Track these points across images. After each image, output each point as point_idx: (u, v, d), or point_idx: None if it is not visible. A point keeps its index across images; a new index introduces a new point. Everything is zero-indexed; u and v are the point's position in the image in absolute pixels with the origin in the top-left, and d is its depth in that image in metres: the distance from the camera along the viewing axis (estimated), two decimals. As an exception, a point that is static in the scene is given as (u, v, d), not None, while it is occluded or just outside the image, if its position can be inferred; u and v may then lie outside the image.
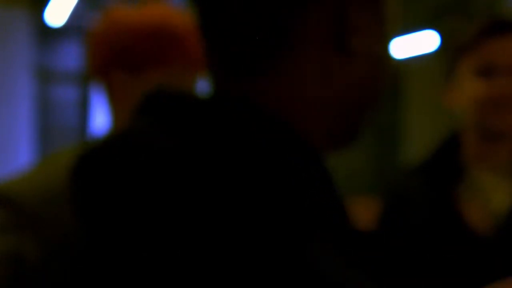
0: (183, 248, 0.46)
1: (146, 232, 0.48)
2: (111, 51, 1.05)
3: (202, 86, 1.10)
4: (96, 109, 6.42)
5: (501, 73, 1.32)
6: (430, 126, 7.02)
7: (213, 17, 0.57)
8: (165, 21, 1.02)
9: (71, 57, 6.48)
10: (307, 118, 0.56)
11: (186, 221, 0.47)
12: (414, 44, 6.47)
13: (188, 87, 1.06)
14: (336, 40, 0.55)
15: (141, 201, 0.48)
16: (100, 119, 6.32)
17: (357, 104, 0.59)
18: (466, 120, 1.38)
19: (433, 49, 6.30)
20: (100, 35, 1.06)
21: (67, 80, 6.47)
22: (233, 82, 0.57)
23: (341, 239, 0.53)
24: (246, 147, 0.50)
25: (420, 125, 7.46)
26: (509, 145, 1.35)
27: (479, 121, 1.34)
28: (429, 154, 1.44)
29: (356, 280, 0.48)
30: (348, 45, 0.56)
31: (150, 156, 0.50)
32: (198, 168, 0.48)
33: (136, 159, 0.50)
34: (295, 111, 0.56)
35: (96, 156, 0.53)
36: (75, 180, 0.54)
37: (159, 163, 0.49)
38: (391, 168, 7.62)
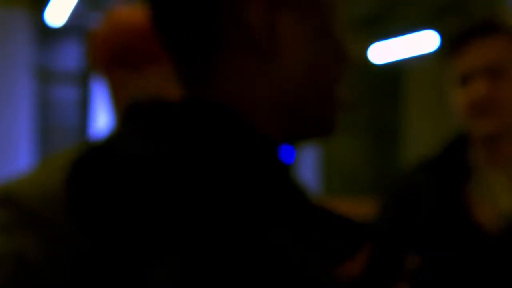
0: (158, 244, 0.51)
1: (128, 231, 0.53)
2: (112, 50, 1.06)
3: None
4: (96, 109, 6.42)
5: (474, 78, 1.33)
6: (430, 126, 7.03)
7: (161, 26, 0.63)
8: None
9: (71, 57, 6.48)
10: (248, 112, 0.60)
11: (159, 218, 0.52)
12: (414, 44, 6.47)
13: None
14: (247, 42, 0.59)
15: (121, 202, 0.54)
16: (100, 119, 6.31)
17: (300, 101, 0.62)
18: (462, 125, 1.39)
19: (433, 49, 6.30)
20: (102, 35, 1.08)
21: (67, 80, 6.47)
22: (190, 85, 0.63)
23: (299, 224, 0.56)
24: (208, 147, 0.55)
25: (420, 125, 7.47)
26: (507, 147, 1.35)
27: (467, 127, 1.35)
28: (436, 152, 1.44)
29: (313, 264, 0.52)
30: (261, 48, 0.59)
31: (125, 160, 0.55)
32: (167, 171, 0.53)
33: (115, 164, 0.55)
34: (237, 106, 0.60)
35: (84, 162, 0.58)
36: (67, 183, 0.59)
37: (132, 167, 0.54)
38: (391, 168, 7.62)
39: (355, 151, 7.73)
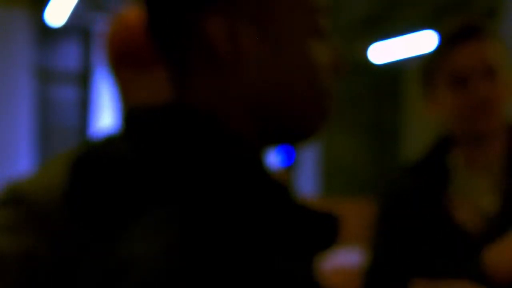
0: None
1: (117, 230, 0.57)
2: (120, 50, 1.09)
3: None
4: (96, 109, 6.42)
5: (471, 80, 1.33)
6: (429, 126, 7.02)
7: (152, 26, 0.67)
8: None
9: (71, 57, 6.48)
10: (224, 120, 0.64)
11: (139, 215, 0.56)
12: (414, 44, 6.47)
13: None
14: (218, 54, 0.63)
15: (103, 200, 0.59)
16: (100, 119, 6.31)
17: (266, 108, 0.65)
18: (449, 127, 1.40)
19: (433, 50, 6.29)
20: (110, 35, 1.11)
21: (67, 80, 6.47)
22: (176, 86, 0.67)
23: (275, 221, 0.58)
24: (182, 150, 0.59)
25: (420, 125, 7.47)
26: (492, 147, 1.37)
27: (461, 128, 1.36)
28: (419, 156, 1.45)
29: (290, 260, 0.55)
30: (230, 58, 0.62)
31: (112, 162, 0.61)
32: (145, 171, 0.58)
33: (104, 166, 0.61)
34: (216, 112, 0.64)
35: (78, 165, 0.63)
36: (66, 183, 0.64)
37: (116, 169, 0.60)
38: (391, 168, 7.62)
39: (355, 151, 7.73)
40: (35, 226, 0.83)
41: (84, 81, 6.45)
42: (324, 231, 0.62)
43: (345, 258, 4.22)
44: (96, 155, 0.62)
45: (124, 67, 1.09)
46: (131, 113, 0.65)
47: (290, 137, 0.67)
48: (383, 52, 6.86)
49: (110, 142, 0.64)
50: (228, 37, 0.62)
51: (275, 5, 0.64)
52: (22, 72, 5.94)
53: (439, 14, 6.14)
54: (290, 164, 7.16)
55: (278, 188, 0.60)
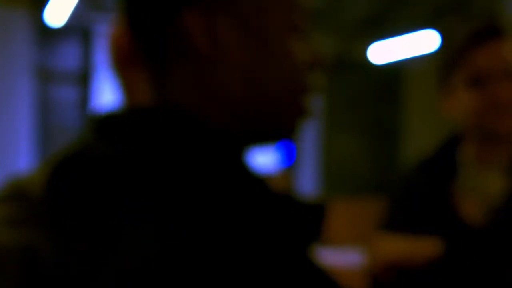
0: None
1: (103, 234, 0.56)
2: (123, 50, 1.10)
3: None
4: (96, 109, 6.41)
5: (492, 81, 1.35)
6: (430, 126, 7.03)
7: (130, 27, 0.67)
8: None
9: (71, 57, 6.48)
10: (203, 117, 0.63)
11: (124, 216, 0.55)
12: (414, 44, 6.47)
13: None
14: (196, 48, 0.62)
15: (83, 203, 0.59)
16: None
17: (245, 104, 0.64)
18: (464, 126, 1.42)
19: (433, 49, 6.30)
20: (114, 36, 1.12)
21: (67, 80, 6.47)
22: (154, 85, 0.67)
23: (260, 214, 0.58)
24: (160, 150, 0.59)
25: (420, 125, 7.47)
26: (505, 146, 1.38)
27: (477, 126, 1.38)
28: (428, 153, 1.47)
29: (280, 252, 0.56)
30: (207, 52, 0.62)
31: (92, 164, 0.60)
32: (123, 172, 0.58)
33: (85, 168, 0.60)
34: (195, 110, 0.64)
35: (59, 167, 0.63)
36: (48, 185, 0.64)
37: (96, 170, 0.59)
38: (391, 167, 7.63)
39: (355, 151, 7.73)
40: (35, 221, 0.84)
41: (84, 81, 6.45)
42: (310, 221, 0.61)
43: (345, 258, 4.22)
44: (75, 160, 0.62)
45: (128, 68, 1.09)
46: (109, 116, 0.65)
47: (268, 135, 0.67)
48: (383, 52, 6.86)
49: (89, 144, 0.64)
50: (206, 32, 0.62)
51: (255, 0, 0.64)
52: (22, 72, 5.94)
53: (439, 14, 6.14)
54: (290, 164, 7.16)
55: (258, 183, 0.60)
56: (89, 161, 0.60)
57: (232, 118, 0.64)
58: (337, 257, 4.35)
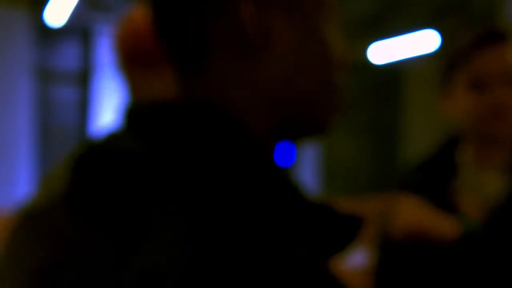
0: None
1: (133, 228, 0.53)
2: (129, 50, 1.10)
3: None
4: (96, 109, 6.42)
5: (492, 85, 1.36)
6: (429, 126, 7.03)
7: (161, 22, 0.65)
8: None
9: (71, 57, 6.48)
10: (241, 113, 0.62)
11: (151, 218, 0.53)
12: (414, 44, 6.47)
13: None
14: (240, 43, 0.62)
15: (115, 199, 0.56)
16: (100, 119, 6.32)
17: (296, 101, 0.64)
18: (463, 128, 1.44)
19: (433, 49, 6.30)
20: (120, 36, 1.12)
21: (67, 80, 6.47)
22: (185, 82, 0.65)
23: (295, 220, 0.57)
24: (196, 147, 0.57)
25: (420, 125, 7.47)
26: (503, 148, 1.40)
27: (476, 130, 1.39)
28: (428, 154, 1.49)
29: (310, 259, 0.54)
30: (254, 48, 0.62)
31: (121, 158, 0.58)
32: (156, 169, 0.56)
33: (112, 163, 0.58)
34: (231, 106, 0.62)
35: (83, 161, 0.61)
36: (70, 179, 0.61)
37: (126, 165, 0.57)
38: (391, 167, 7.63)
39: (355, 151, 7.74)
40: (45, 239, 0.82)
41: (84, 81, 6.46)
42: (341, 230, 0.60)
43: (346, 258, 4.22)
44: (100, 152, 0.60)
45: (135, 67, 1.09)
46: (136, 109, 0.63)
47: (303, 132, 0.67)
48: (383, 52, 6.86)
49: (114, 138, 0.61)
50: (260, 26, 0.61)
51: None
52: (22, 72, 5.94)
53: (439, 14, 6.14)
54: (291, 164, 7.17)
55: (292, 186, 0.59)
56: (119, 156, 0.58)
57: (270, 113, 0.63)
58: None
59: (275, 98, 0.63)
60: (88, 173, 0.59)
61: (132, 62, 1.09)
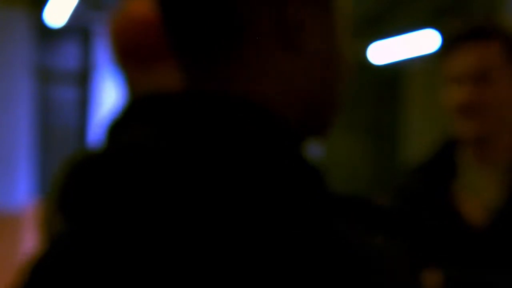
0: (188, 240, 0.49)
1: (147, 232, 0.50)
2: (124, 46, 1.08)
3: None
4: (96, 109, 6.42)
5: (461, 82, 1.36)
6: (429, 126, 7.03)
7: (174, 11, 0.61)
8: None
9: (71, 57, 6.48)
10: (273, 110, 0.60)
11: (187, 217, 0.50)
12: (414, 44, 6.48)
13: None
14: (281, 36, 0.60)
15: (140, 203, 0.51)
16: (100, 119, 6.32)
17: (317, 98, 0.63)
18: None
19: (433, 49, 6.30)
20: (115, 32, 1.10)
21: (67, 80, 6.47)
22: (200, 73, 0.61)
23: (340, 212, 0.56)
24: (238, 140, 0.54)
25: (420, 125, 7.47)
26: (500, 145, 1.39)
27: (455, 128, 1.40)
28: (428, 154, 1.49)
29: (377, 249, 0.52)
30: (293, 41, 0.60)
31: (144, 157, 0.52)
32: (193, 168, 0.51)
33: (131, 162, 0.52)
34: (264, 103, 0.60)
35: (92, 157, 0.56)
36: (71, 185, 0.56)
37: (153, 164, 0.52)
38: (391, 168, 7.63)
39: (355, 151, 7.74)
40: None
41: (84, 81, 6.46)
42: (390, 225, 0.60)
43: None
44: (113, 149, 0.55)
45: (131, 63, 1.07)
46: (146, 103, 0.59)
47: (313, 131, 0.66)
48: (383, 52, 6.87)
49: (125, 135, 0.57)
50: (300, 21, 0.60)
51: None
52: (22, 72, 5.95)
53: (439, 14, 6.14)
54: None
55: (323, 184, 0.58)
56: (147, 153, 0.53)
57: (297, 109, 0.62)
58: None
59: (305, 95, 0.62)
60: (99, 169, 0.54)
61: (129, 59, 1.07)
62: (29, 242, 5.30)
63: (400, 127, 7.77)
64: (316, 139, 0.68)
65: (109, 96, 6.23)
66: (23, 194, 5.77)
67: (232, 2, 0.58)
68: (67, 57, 6.47)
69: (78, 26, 6.28)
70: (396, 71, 7.69)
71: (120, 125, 0.60)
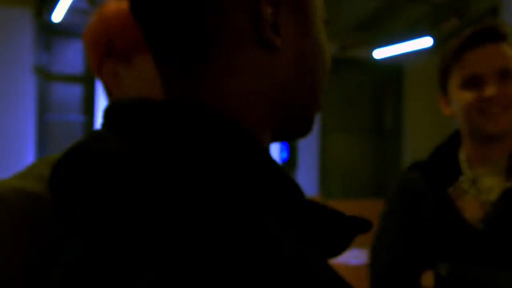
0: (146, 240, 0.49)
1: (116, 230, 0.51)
2: (100, 43, 1.06)
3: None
4: (97, 108, 6.43)
5: (483, 82, 1.38)
6: (430, 126, 7.03)
7: (148, 19, 0.61)
8: None
9: (72, 57, 6.49)
10: (244, 111, 0.60)
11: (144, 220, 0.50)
12: (415, 44, 6.48)
13: None
14: (256, 35, 0.60)
15: (105, 202, 0.52)
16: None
17: (294, 96, 0.63)
18: (461, 127, 1.45)
19: (432, 49, 6.30)
20: (91, 30, 1.08)
21: (69, 80, 6.48)
22: (175, 80, 0.61)
23: (292, 219, 0.55)
24: (195, 146, 0.54)
25: (420, 125, 7.47)
26: (502, 145, 1.41)
27: (471, 127, 1.41)
28: (428, 154, 1.50)
29: (306, 252, 0.51)
30: (269, 41, 0.60)
31: (107, 161, 0.54)
32: (154, 172, 0.52)
33: (97, 165, 0.54)
34: (233, 105, 0.59)
35: (65, 162, 0.58)
36: (51, 184, 0.59)
37: (115, 168, 0.53)
38: (391, 168, 7.62)
39: (355, 151, 7.73)
40: (15, 227, 0.79)
41: (86, 80, 6.46)
42: (343, 232, 0.59)
43: (344, 259, 4.22)
44: (83, 152, 0.56)
45: (106, 60, 1.05)
46: (117, 108, 0.60)
47: (293, 133, 0.66)
48: (384, 51, 6.86)
49: (97, 138, 0.58)
50: (274, 23, 0.60)
51: None
52: (24, 72, 5.95)
53: (440, 14, 6.14)
54: (283, 163, 7.15)
55: (295, 187, 0.57)
56: (94, 157, 0.54)
57: (272, 112, 0.62)
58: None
59: (278, 97, 0.62)
60: (70, 176, 0.56)
61: (105, 55, 1.05)
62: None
63: (400, 127, 7.76)
64: (298, 138, 0.67)
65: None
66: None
67: (205, 7, 0.58)
68: (69, 56, 6.48)
69: (79, 25, 6.28)
70: (396, 70, 7.68)
71: (96, 131, 0.61)
